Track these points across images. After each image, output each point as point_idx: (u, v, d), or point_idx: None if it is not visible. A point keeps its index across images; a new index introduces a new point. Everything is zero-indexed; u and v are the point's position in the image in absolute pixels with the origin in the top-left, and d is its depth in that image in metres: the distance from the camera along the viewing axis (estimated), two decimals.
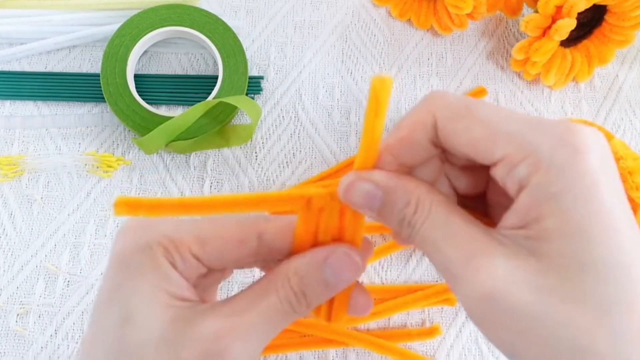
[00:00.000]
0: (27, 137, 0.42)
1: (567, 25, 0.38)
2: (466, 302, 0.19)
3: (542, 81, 0.43)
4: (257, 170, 0.41)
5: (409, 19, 0.46)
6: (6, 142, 0.41)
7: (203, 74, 0.44)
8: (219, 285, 0.32)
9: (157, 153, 0.41)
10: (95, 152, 0.41)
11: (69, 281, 0.38)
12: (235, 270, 0.35)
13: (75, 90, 0.43)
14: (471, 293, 0.18)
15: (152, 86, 0.43)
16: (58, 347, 0.37)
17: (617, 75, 0.45)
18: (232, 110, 0.40)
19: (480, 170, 0.21)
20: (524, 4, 0.43)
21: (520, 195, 0.18)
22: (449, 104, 0.20)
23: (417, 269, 0.39)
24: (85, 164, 0.41)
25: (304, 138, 0.42)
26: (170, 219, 0.23)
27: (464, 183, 0.22)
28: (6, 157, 0.40)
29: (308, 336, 0.37)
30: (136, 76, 0.43)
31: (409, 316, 0.38)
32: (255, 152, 0.42)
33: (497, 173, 0.19)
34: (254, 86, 0.43)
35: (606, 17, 0.41)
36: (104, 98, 0.40)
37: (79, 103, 0.43)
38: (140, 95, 0.41)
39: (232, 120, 0.42)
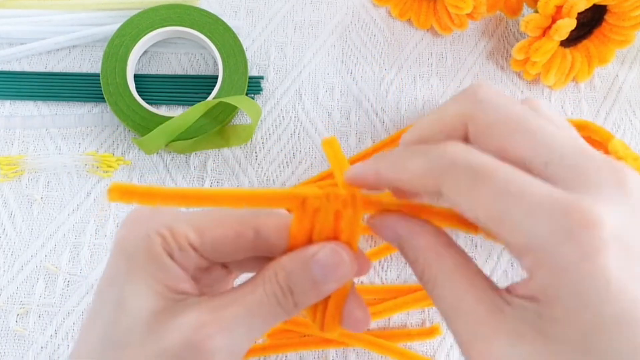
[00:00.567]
0: (27, 137, 0.42)
1: (567, 25, 0.38)
2: None
3: (542, 81, 0.43)
4: (257, 170, 0.41)
5: (409, 19, 0.46)
6: (6, 142, 0.41)
7: (203, 74, 0.44)
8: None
9: (157, 153, 0.41)
10: (95, 152, 0.41)
11: (69, 281, 0.38)
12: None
13: (75, 90, 0.43)
14: None
15: (152, 86, 0.43)
16: (58, 347, 0.37)
17: (617, 75, 0.45)
18: (232, 110, 0.40)
19: None
20: (524, 4, 0.43)
21: (530, 280, 0.17)
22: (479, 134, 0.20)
23: None
24: (85, 164, 0.41)
25: (304, 138, 0.42)
26: (172, 209, 0.23)
27: None
28: (6, 157, 0.40)
29: (308, 336, 0.37)
30: (136, 76, 0.43)
31: (409, 316, 0.38)
32: (255, 152, 0.42)
33: (507, 249, 0.19)
34: (254, 86, 0.43)
35: (606, 17, 0.41)
36: (104, 98, 0.40)
37: (79, 103, 0.43)
38: (140, 95, 0.41)
39: (232, 120, 0.42)
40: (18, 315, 0.37)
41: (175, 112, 0.42)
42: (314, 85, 0.44)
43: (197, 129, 0.40)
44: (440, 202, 0.20)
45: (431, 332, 0.37)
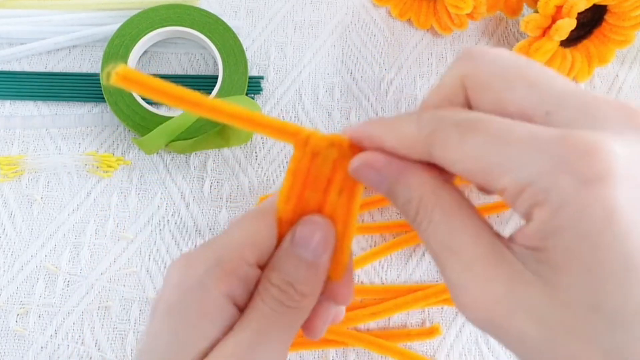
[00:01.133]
0: (27, 137, 0.42)
1: (567, 25, 0.38)
2: (466, 316, 0.18)
3: None
4: (257, 170, 0.41)
5: (409, 19, 0.46)
6: (6, 142, 0.41)
7: (203, 74, 0.44)
8: None
9: (157, 153, 0.41)
10: (95, 152, 0.41)
11: (69, 281, 0.38)
12: None
13: (75, 90, 0.43)
14: (470, 314, 0.17)
15: None
16: (58, 347, 0.37)
17: (617, 75, 0.45)
18: None
19: None
20: (524, 4, 0.43)
21: (528, 225, 0.16)
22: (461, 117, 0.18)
23: (417, 269, 0.39)
24: (85, 164, 0.41)
25: None
26: (217, 239, 0.22)
27: None
28: (6, 157, 0.40)
29: None
30: None
31: (409, 316, 0.38)
32: (255, 152, 0.42)
33: (503, 198, 0.17)
34: (254, 86, 0.43)
35: (606, 17, 0.41)
36: (104, 98, 0.40)
37: (79, 103, 0.43)
38: (140, 95, 0.41)
39: None
40: (18, 315, 0.37)
41: (175, 112, 0.42)
42: (314, 85, 0.44)
43: (197, 129, 0.40)
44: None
45: (431, 332, 0.37)
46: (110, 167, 0.41)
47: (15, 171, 0.40)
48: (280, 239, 0.22)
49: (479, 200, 0.41)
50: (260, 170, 0.41)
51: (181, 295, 0.20)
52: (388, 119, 0.20)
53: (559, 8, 0.38)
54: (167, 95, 0.19)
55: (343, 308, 0.25)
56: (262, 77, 0.44)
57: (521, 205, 0.16)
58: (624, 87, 0.45)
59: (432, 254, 0.18)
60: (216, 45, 0.42)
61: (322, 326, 0.23)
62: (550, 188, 0.15)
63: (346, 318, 0.37)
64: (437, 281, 0.39)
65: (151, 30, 0.42)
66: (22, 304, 0.37)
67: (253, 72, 0.44)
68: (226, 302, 0.20)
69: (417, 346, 0.37)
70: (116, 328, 0.37)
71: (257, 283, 0.21)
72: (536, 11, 0.39)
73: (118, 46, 0.41)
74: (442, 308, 0.38)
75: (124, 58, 0.41)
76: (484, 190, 0.19)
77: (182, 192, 0.40)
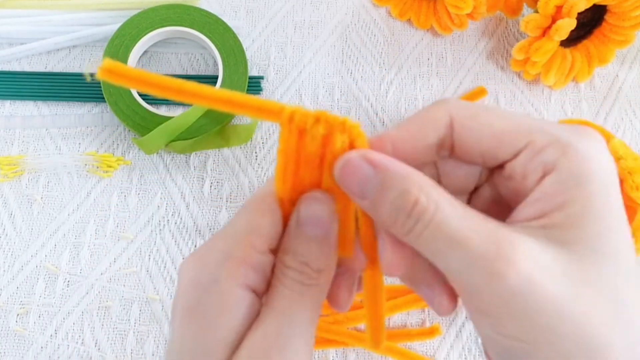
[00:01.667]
0: (27, 137, 0.42)
1: (567, 25, 0.38)
2: (491, 303, 0.17)
3: (542, 81, 0.43)
4: (257, 170, 0.41)
5: (409, 19, 0.46)
6: (6, 142, 0.41)
7: (203, 74, 0.44)
8: None
9: (157, 153, 0.41)
10: (95, 152, 0.41)
11: (69, 281, 0.38)
12: None
13: (75, 90, 0.43)
14: (500, 290, 0.17)
15: None
16: (58, 347, 0.37)
17: (617, 75, 0.45)
18: None
19: (470, 178, 0.22)
20: (524, 4, 0.43)
21: (544, 181, 0.18)
22: (465, 105, 0.20)
23: None
24: (85, 164, 0.41)
25: None
26: (222, 233, 0.21)
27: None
28: (6, 157, 0.40)
29: None
30: None
31: (409, 316, 0.38)
32: (255, 152, 0.42)
33: (518, 163, 0.19)
34: (254, 86, 0.43)
35: (606, 17, 0.41)
36: (104, 98, 0.40)
37: (79, 103, 0.43)
38: (140, 95, 0.41)
39: (232, 120, 0.42)
40: (18, 315, 0.37)
41: (175, 112, 0.42)
42: (314, 85, 0.44)
43: (197, 129, 0.40)
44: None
45: (431, 332, 0.37)
46: (110, 167, 0.41)
47: (15, 171, 0.40)
48: (285, 219, 0.22)
49: None
50: (260, 170, 0.41)
51: (197, 295, 0.20)
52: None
53: (559, 8, 0.38)
54: (149, 84, 0.18)
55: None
56: (262, 77, 0.44)
57: (544, 157, 0.18)
58: (624, 87, 0.45)
59: (439, 246, 0.18)
60: (216, 45, 0.42)
61: (348, 297, 0.23)
62: (578, 143, 0.18)
63: (346, 318, 0.37)
64: None
65: (151, 30, 0.42)
66: (22, 304, 0.37)
67: (253, 72, 0.44)
68: (244, 292, 0.20)
69: (417, 346, 0.37)
70: (116, 328, 0.37)
71: (273, 268, 0.21)
72: (536, 11, 0.39)
73: (118, 46, 0.41)
74: None
75: (124, 58, 0.41)
76: (488, 164, 0.20)
77: (182, 192, 0.40)
